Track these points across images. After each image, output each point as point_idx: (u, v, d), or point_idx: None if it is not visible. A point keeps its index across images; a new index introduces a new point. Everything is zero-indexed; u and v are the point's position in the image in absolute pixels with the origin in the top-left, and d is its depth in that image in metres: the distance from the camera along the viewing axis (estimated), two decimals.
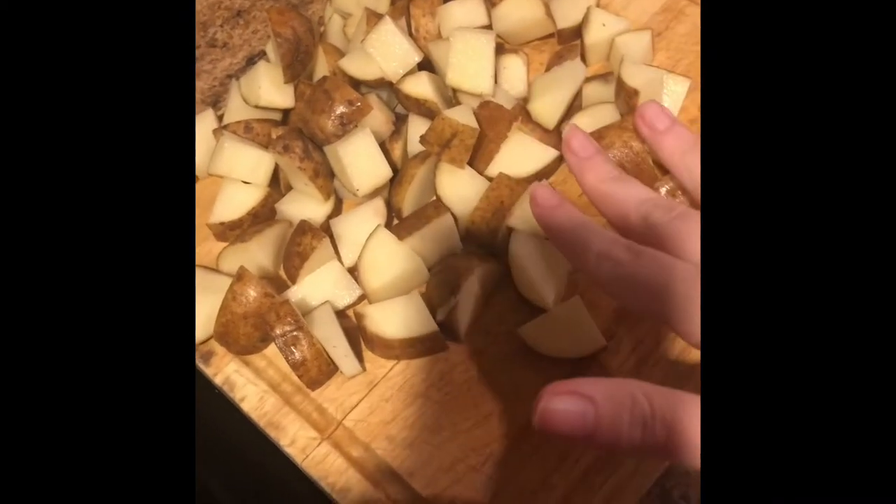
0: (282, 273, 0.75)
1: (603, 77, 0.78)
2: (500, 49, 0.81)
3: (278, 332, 0.64)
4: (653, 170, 0.69)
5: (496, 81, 0.77)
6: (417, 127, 0.75)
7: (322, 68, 0.82)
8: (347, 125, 0.74)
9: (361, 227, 0.72)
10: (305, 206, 0.75)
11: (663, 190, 0.66)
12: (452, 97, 0.79)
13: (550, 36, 0.85)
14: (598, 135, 0.70)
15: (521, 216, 0.69)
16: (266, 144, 0.77)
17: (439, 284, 0.67)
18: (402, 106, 0.80)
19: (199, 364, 0.71)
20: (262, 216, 0.77)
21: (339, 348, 0.66)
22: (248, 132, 0.79)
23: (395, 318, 0.67)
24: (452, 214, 0.71)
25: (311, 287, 0.71)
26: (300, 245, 0.70)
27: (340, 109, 0.74)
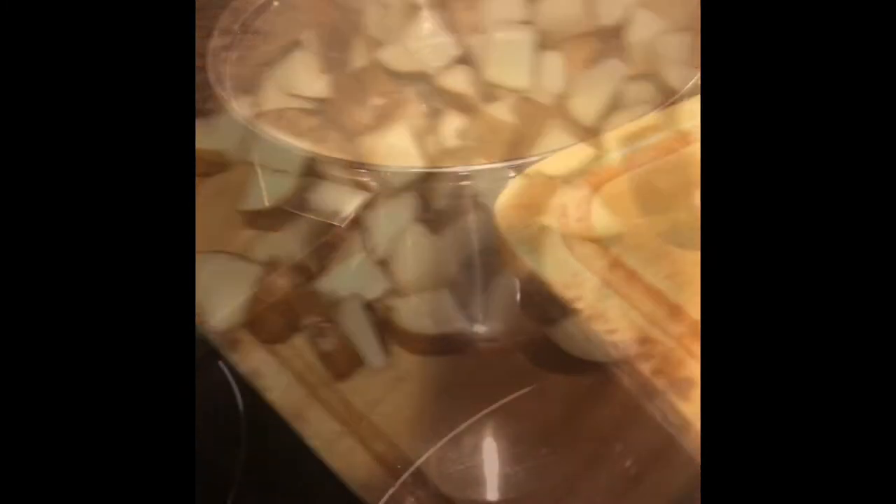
0: (311, 264, 0.75)
1: (643, 76, 0.77)
2: (540, 45, 0.80)
3: (306, 322, 0.64)
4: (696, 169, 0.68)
5: (535, 78, 0.76)
6: (453, 121, 0.74)
7: (359, 59, 0.82)
8: (382, 117, 0.73)
9: (393, 220, 0.71)
10: (337, 196, 0.75)
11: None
12: (490, 93, 0.78)
13: (591, 34, 0.84)
14: (638, 133, 0.69)
15: (555, 214, 0.68)
16: (300, 133, 0.77)
17: (470, 281, 0.66)
18: (438, 100, 0.79)
19: (226, 352, 0.71)
20: (294, 205, 0.77)
21: (366, 341, 0.66)
22: (282, 121, 0.79)
23: (424, 314, 0.66)
24: (486, 210, 0.70)
25: (340, 278, 0.71)
26: (330, 236, 0.69)
27: (376, 101, 0.73)
